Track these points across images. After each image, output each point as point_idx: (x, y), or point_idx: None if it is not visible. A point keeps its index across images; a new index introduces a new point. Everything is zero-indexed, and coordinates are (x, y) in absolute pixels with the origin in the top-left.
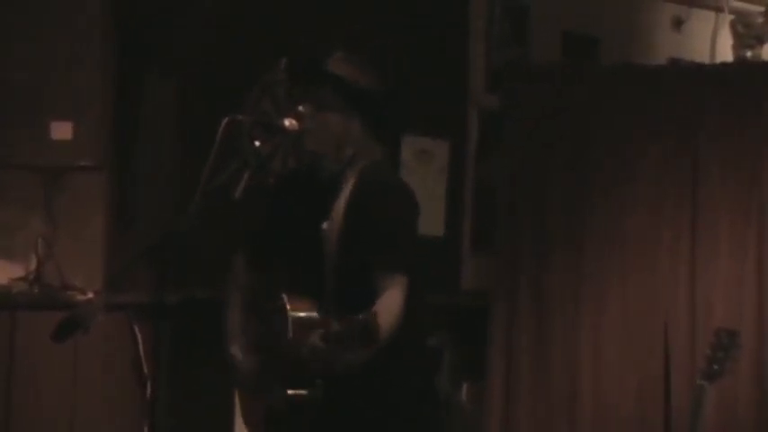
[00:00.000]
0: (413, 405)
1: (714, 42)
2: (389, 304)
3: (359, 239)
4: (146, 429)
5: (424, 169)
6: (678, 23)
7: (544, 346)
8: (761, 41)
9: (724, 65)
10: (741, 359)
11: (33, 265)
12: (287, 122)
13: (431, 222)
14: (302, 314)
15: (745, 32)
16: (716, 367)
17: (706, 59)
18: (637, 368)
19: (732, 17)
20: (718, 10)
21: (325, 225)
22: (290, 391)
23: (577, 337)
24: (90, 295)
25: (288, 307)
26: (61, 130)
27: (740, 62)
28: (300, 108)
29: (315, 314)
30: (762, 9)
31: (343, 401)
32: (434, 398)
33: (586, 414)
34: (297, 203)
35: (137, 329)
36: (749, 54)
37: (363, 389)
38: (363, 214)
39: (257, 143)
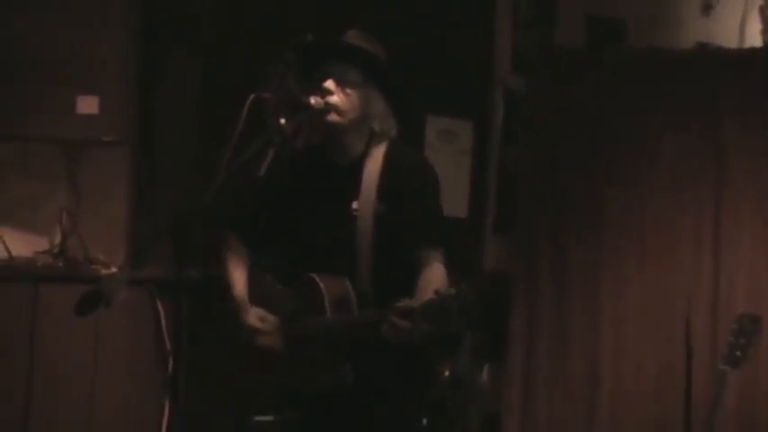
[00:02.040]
0: (432, 386)
1: (743, 27)
2: (441, 275)
3: (398, 219)
4: (167, 403)
5: (447, 150)
6: (707, 8)
7: (564, 330)
8: None
9: (752, 50)
10: (763, 345)
11: (57, 239)
12: (312, 100)
13: (454, 204)
14: (337, 293)
15: None
16: (738, 353)
17: (735, 45)
18: (657, 353)
19: (762, 2)
20: None
21: (355, 205)
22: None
23: (597, 321)
24: (113, 270)
25: (321, 285)
26: (87, 105)
27: None
28: (325, 84)
29: (350, 292)
30: None
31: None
32: (455, 380)
33: (605, 398)
34: (315, 181)
35: (159, 304)
36: None
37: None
38: (400, 194)
39: (282, 120)
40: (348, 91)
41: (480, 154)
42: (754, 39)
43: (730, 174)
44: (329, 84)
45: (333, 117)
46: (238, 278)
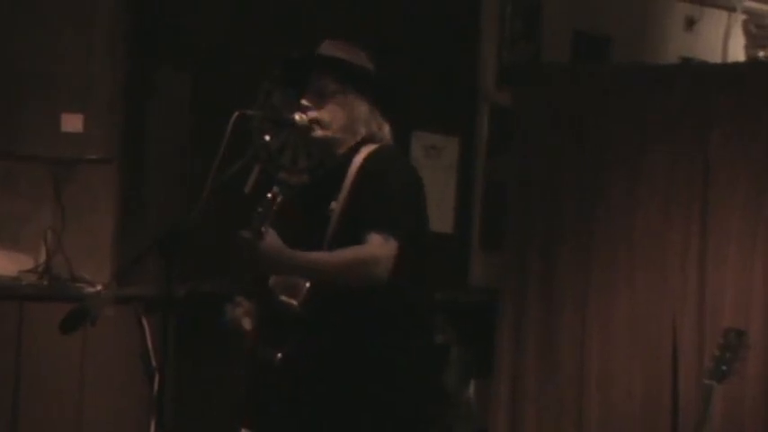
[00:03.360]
0: (418, 402)
1: (726, 42)
2: (361, 248)
3: (356, 211)
4: (153, 422)
5: (433, 165)
6: (690, 23)
7: (552, 345)
8: None
9: (736, 65)
10: (749, 359)
11: (42, 257)
12: (297, 117)
13: (440, 219)
14: None
15: (757, 32)
16: (724, 367)
17: (718, 59)
18: (644, 368)
19: (744, 17)
20: (731, 10)
21: (332, 205)
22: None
23: (585, 336)
24: (98, 287)
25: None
26: (72, 123)
27: (752, 62)
28: (303, 101)
29: None
30: None
31: (345, 398)
32: (440, 395)
33: (593, 413)
34: (308, 190)
35: (144, 322)
36: (761, 54)
37: (367, 385)
38: (362, 188)
39: (267, 137)
40: (326, 103)
41: (466, 169)
42: (737, 53)
43: (716, 188)
44: (306, 100)
45: (318, 132)
46: None
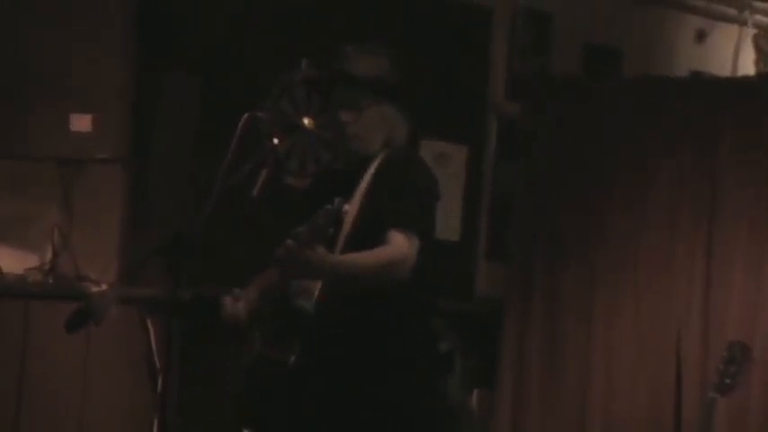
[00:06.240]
0: (421, 409)
1: (736, 56)
2: (391, 248)
3: (374, 211)
4: (156, 423)
5: (441, 173)
6: (701, 37)
7: (555, 357)
8: None
9: (746, 79)
10: (753, 372)
11: (48, 256)
12: (306, 121)
13: (447, 227)
14: None
15: (767, 47)
16: (728, 381)
17: (728, 73)
18: (648, 381)
19: (755, 32)
20: (742, 24)
21: (346, 207)
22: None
23: (589, 348)
24: (104, 287)
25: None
26: (81, 123)
27: (762, 77)
28: (342, 118)
29: None
30: None
31: (349, 405)
32: (443, 403)
33: (596, 426)
34: (327, 192)
35: (149, 323)
36: None
37: (371, 393)
38: (381, 188)
39: (275, 141)
40: (363, 117)
41: (474, 178)
42: (747, 67)
43: (724, 202)
44: (344, 116)
45: (356, 145)
46: None
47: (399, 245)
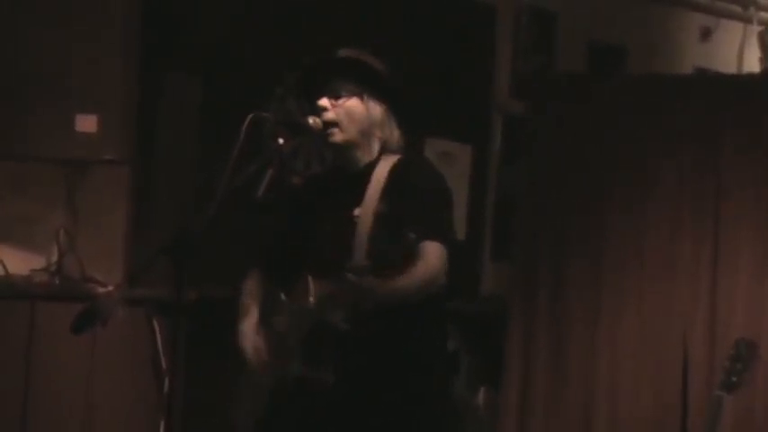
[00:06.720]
0: (436, 413)
1: (742, 54)
2: (428, 263)
3: (398, 216)
4: (162, 423)
5: (446, 172)
6: (706, 34)
7: (561, 357)
8: None
9: (751, 76)
10: (760, 370)
11: (54, 257)
12: (311, 121)
13: None
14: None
15: None
16: (734, 379)
17: (733, 70)
18: (654, 380)
19: (760, 29)
20: (747, 21)
21: (356, 212)
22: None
23: (594, 348)
24: (110, 288)
25: (309, 278)
26: (86, 123)
27: (763, 75)
28: (320, 102)
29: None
30: None
31: (359, 401)
32: (452, 404)
33: (601, 425)
34: (325, 196)
35: (155, 324)
36: None
37: (380, 390)
38: (402, 194)
39: (280, 141)
40: (343, 104)
41: (479, 178)
42: (752, 65)
43: (728, 200)
44: (323, 101)
45: (336, 136)
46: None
47: (436, 258)
